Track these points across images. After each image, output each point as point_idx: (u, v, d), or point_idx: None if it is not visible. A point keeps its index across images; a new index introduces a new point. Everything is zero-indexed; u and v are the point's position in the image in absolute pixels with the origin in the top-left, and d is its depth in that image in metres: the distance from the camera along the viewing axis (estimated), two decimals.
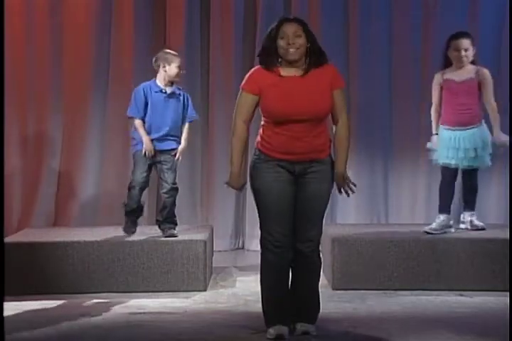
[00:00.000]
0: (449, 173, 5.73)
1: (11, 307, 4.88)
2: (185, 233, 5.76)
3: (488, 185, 7.28)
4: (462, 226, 5.86)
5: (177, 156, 5.74)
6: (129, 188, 5.74)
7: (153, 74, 7.23)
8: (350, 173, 7.15)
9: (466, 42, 5.57)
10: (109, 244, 5.47)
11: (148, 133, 5.66)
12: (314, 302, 4.34)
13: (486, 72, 5.69)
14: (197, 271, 5.45)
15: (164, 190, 5.72)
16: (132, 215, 5.77)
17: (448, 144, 5.66)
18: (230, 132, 4.26)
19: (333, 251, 5.47)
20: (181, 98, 5.78)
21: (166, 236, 5.63)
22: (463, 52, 5.57)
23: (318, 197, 4.24)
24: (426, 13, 7.29)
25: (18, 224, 6.98)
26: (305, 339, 4.21)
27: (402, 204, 7.14)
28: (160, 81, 5.71)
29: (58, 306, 5.04)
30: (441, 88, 5.70)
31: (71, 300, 5.17)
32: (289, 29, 4.12)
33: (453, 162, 5.66)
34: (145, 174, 5.70)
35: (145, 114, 5.67)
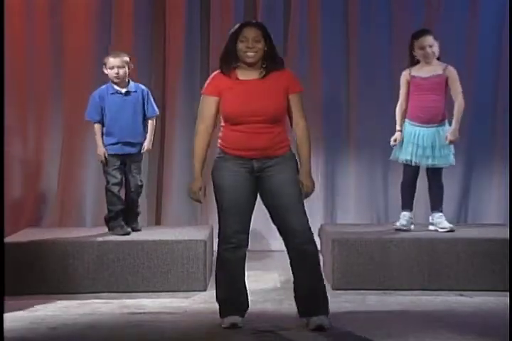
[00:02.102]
0: (410, 171, 5.82)
1: (11, 307, 4.88)
2: (185, 233, 5.76)
3: (488, 185, 7.28)
4: (431, 227, 5.82)
5: (144, 150, 5.86)
6: (107, 191, 5.80)
7: (152, 74, 7.29)
8: (350, 173, 7.29)
9: (429, 39, 5.69)
10: (109, 244, 5.47)
11: (111, 135, 5.75)
12: (322, 291, 4.40)
13: (453, 69, 5.75)
14: (197, 271, 5.44)
15: (133, 189, 5.86)
16: (118, 219, 5.78)
17: (410, 140, 5.75)
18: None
19: (333, 251, 5.46)
20: (139, 95, 5.83)
21: (132, 231, 5.77)
22: (428, 49, 5.69)
23: (286, 185, 4.31)
24: (426, 13, 7.29)
25: (19, 223, 6.97)
26: (302, 339, 4.21)
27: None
28: (113, 83, 5.79)
29: (58, 306, 5.03)
30: (409, 85, 5.78)
31: (71, 300, 5.17)
32: (250, 33, 4.33)
33: (413, 159, 5.74)
34: (118, 173, 5.77)
35: (104, 118, 5.76)
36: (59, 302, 5.13)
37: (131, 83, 5.84)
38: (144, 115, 5.86)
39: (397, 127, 5.79)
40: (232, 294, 4.44)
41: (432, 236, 5.59)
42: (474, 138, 7.24)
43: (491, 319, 4.65)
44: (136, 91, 5.82)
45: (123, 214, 5.81)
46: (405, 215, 5.84)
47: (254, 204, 4.39)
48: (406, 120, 5.79)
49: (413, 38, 5.75)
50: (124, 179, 5.84)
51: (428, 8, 7.30)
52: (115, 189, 5.77)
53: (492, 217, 7.17)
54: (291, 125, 4.43)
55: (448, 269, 5.41)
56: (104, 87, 5.82)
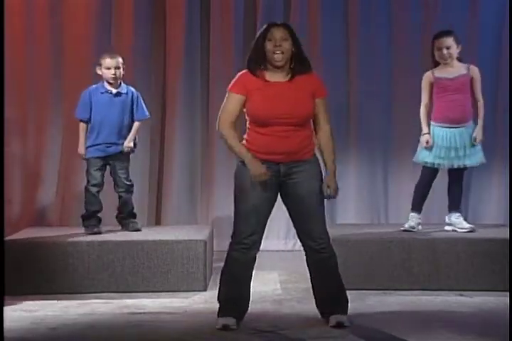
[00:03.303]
0: (429, 173, 5.78)
1: (11, 308, 4.88)
2: (185, 233, 5.76)
3: (488, 185, 7.28)
4: (448, 228, 5.79)
5: (124, 150, 5.86)
6: (86, 191, 5.87)
7: (153, 74, 7.29)
8: (350, 173, 7.29)
9: (447, 41, 5.64)
10: (109, 244, 5.47)
11: (96, 134, 5.83)
12: (340, 293, 4.48)
13: (477, 69, 5.73)
14: (197, 271, 5.45)
15: (122, 189, 5.90)
16: (92, 219, 5.84)
17: (439, 143, 5.70)
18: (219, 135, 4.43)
19: None
20: (129, 97, 5.89)
21: (131, 231, 5.82)
22: (445, 51, 5.65)
23: (311, 194, 4.35)
24: (426, 13, 7.29)
25: (19, 223, 6.97)
26: (302, 339, 4.21)
27: (402, 204, 7.12)
28: (106, 83, 5.86)
29: (58, 306, 5.03)
30: (431, 87, 5.74)
31: (71, 300, 5.17)
32: (277, 33, 4.31)
33: (442, 162, 5.70)
34: (99, 174, 5.83)
35: (91, 116, 5.85)
36: (59, 302, 5.13)
37: (123, 85, 5.90)
38: (133, 117, 5.91)
39: (425, 130, 5.70)
40: (233, 295, 4.45)
41: (432, 236, 5.59)
42: None
43: (491, 319, 4.65)
44: (126, 93, 5.89)
45: (97, 215, 5.88)
46: (414, 216, 5.80)
47: (272, 207, 4.42)
48: (432, 123, 5.73)
49: (433, 39, 5.71)
50: (103, 181, 5.89)
51: (428, 8, 7.29)
52: (93, 190, 5.84)
53: (492, 217, 7.17)
54: (315, 129, 4.45)
55: (448, 269, 5.41)
56: (95, 86, 5.89)
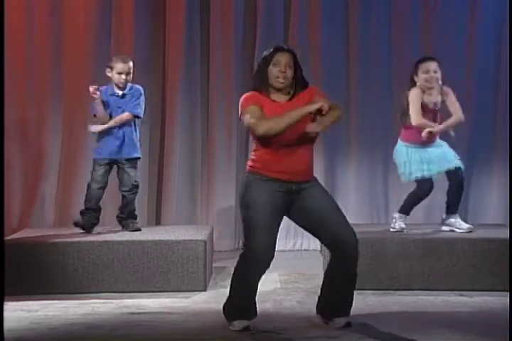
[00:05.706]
0: (427, 185, 5.77)
1: (11, 308, 4.89)
2: (185, 233, 5.76)
3: (488, 185, 7.29)
4: (445, 228, 5.79)
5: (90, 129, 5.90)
6: (88, 188, 5.90)
7: (153, 74, 7.30)
8: (350, 173, 7.29)
9: (434, 65, 5.68)
10: (109, 244, 5.47)
11: (108, 137, 5.83)
12: (351, 295, 4.43)
13: (449, 90, 5.72)
14: (197, 271, 5.45)
15: (127, 189, 5.90)
16: (85, 216, 5.85)
17: (413, 159, 5.71)
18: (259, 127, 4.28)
19: None
20: (132, 95, 5.89)
21: (131, 231, 5.83)
22: (432, 74, 5.67)
23: (324, 198, 4.40)
24: (426, 13, 7.30)
25: (18, 224, 6.98)
26: (302, 339, 4.21)
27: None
28: (115, 86, 5.88)
29: (58, 306, 5.03)
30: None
31: (71, 300, 5.17)
32: (283, 58, 4.34)
33: (432, 173, 5.72)
34: (102, 170, 5.84)
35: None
36: (59, 302, 5.13)
37: (129, 85, 5.89)
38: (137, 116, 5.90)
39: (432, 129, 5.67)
40: (247, 300, 4.42)
41: (432, 236, 5.59)
42: (474, 138, 7.25)
43: (491, 319, 4.65)
44: (130, 92, 5.88)
45: (94, 213, 5.87)
46: (401, 217, 5.83)
47: (280, 223, 4.40)
48: (404, 144, 5.75)
49: (418, 63, 5.71)
50: (107, 179, 5.89)
51: (428, 8, 7.30)
52: (94, 186, 5.85)
53: (492, 217, 7.18)
54: None
55: (448, 269, 5.42)
56: (105, 87, 5.89)
